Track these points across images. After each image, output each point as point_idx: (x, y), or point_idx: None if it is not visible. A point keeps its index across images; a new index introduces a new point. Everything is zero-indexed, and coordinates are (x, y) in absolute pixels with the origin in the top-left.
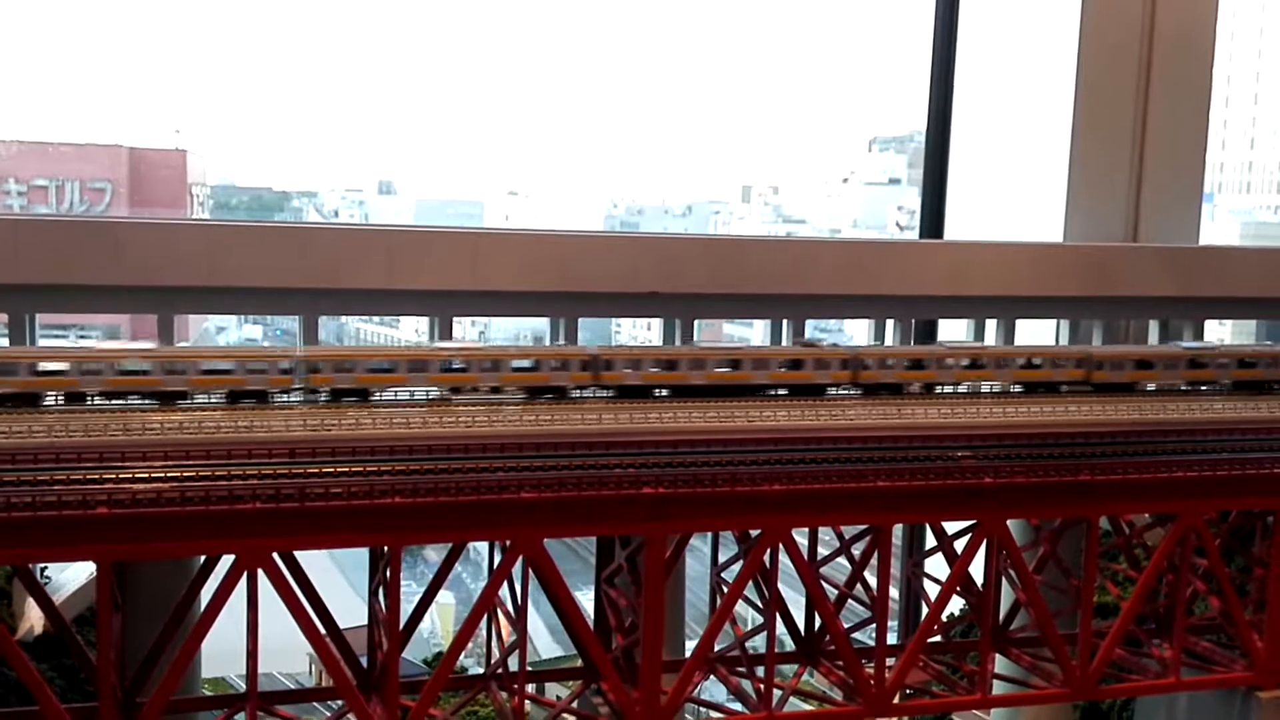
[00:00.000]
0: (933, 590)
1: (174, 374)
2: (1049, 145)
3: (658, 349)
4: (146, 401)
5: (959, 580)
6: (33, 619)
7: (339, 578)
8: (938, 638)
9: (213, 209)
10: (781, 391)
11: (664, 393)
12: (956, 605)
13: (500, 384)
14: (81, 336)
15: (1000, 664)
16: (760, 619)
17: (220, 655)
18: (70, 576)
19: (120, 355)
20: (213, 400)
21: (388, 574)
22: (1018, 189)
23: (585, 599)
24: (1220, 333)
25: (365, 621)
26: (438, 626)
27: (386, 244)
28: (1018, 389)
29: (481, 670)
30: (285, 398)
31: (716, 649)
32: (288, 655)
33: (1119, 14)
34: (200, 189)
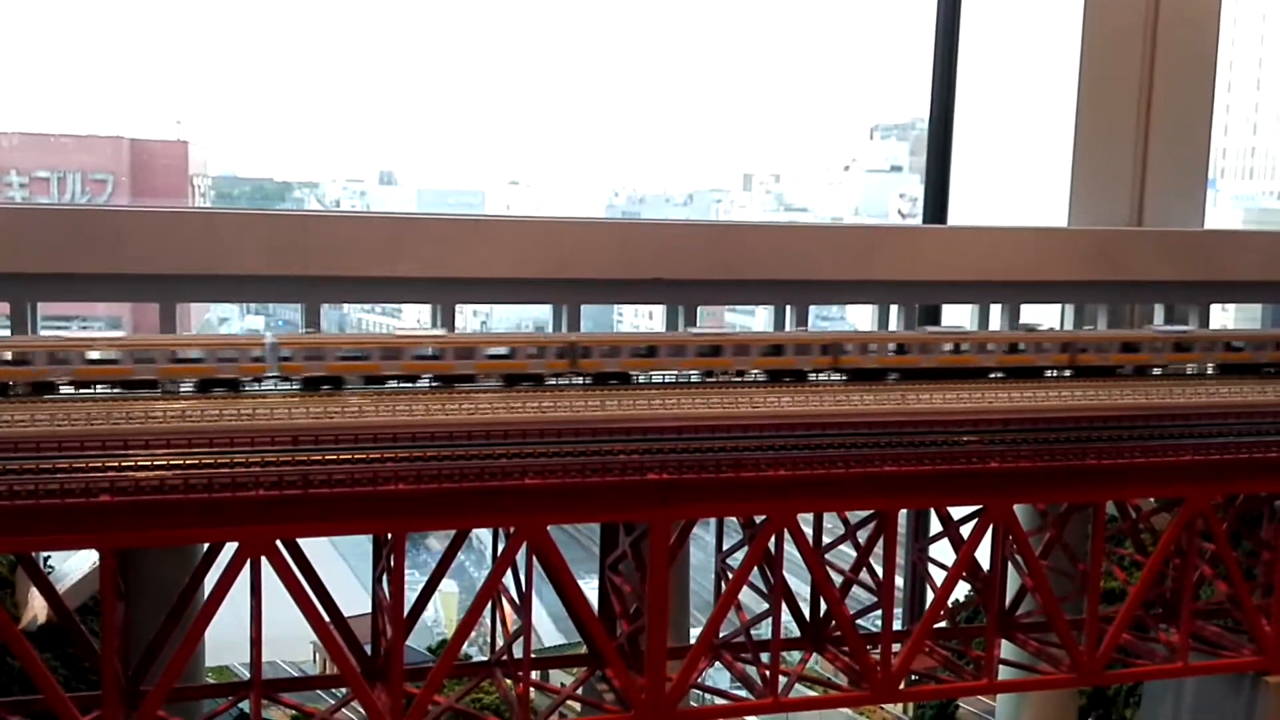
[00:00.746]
0: (938, 576)
1: (143, 362)
2: (1053, 131)
3: (635, 335)
4: (115, 390)
5: (965, 566)
6: (36, 608)
7: (341, 565)
8: (944, 623)
9: (214, 200)
10: (761, 376)
11: (643, 379)
12: (962, 591)
13: (474, 372)
14: (83, 327)
15: (1006, 649)
16: (765, 605)
17: (223, 644)
18: (73, 566)
19: (88, 344)
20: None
21: (391, 561)
22: (1021, 175)
23: (588, 588)
24: (1224, 318)
25: (368, 609)
26: (441, 615)
27: (389, 231)
28: (999, 374)
29: (485, 658)
30: (258, 386)
31: (721, 635)
32: (291, 643)
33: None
34: (202, 180)
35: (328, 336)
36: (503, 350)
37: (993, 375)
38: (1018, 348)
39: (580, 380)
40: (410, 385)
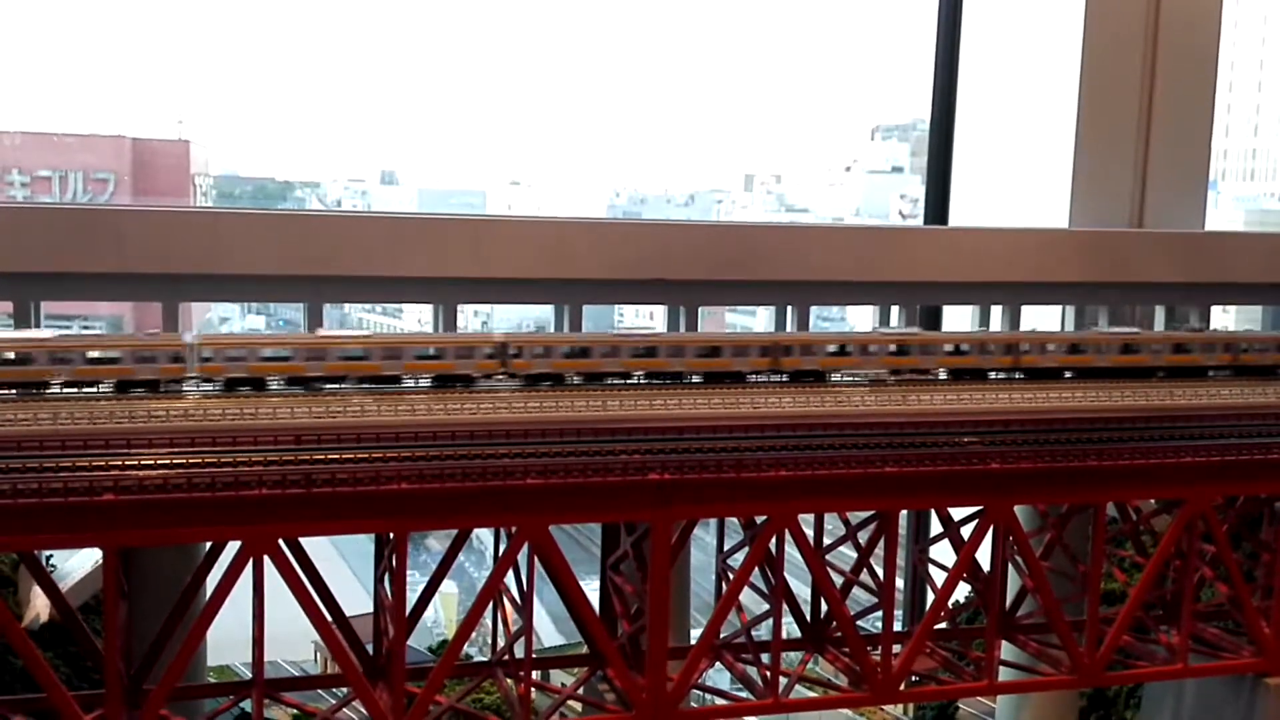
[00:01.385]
0: (939, 577)
1: (61, 363)
2: (1054, 132)
3: (570, 336)
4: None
5: (965, 567)
6: (39, 607)
7: (341, 564)
8: (944, 624)
9: (216, 199)
10: (698, 379)
11: (577, 380)
12: (963, 592)
13: (401, 373)
14: (85, 327)
15: (1007, 650)
16: (765, 606)
17: (225, 643)
18: (75, 564)
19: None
20: (100, 391)
21: (393, 561)
22: (1022, 176)
23: (588, 589)
24: (1224, 319)
25: (369, 609)
26: (441, 615)
27: (391, 231)
28: (943, 375)
29: (486, 658)
30: (177, 387)
31: (722, 636)
32: (293, 642)
33: (1123, 1)
34: (203, 179)
35: (252, 337)
36: (431, 351)
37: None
38: (959, 350)
39: (513, 382)
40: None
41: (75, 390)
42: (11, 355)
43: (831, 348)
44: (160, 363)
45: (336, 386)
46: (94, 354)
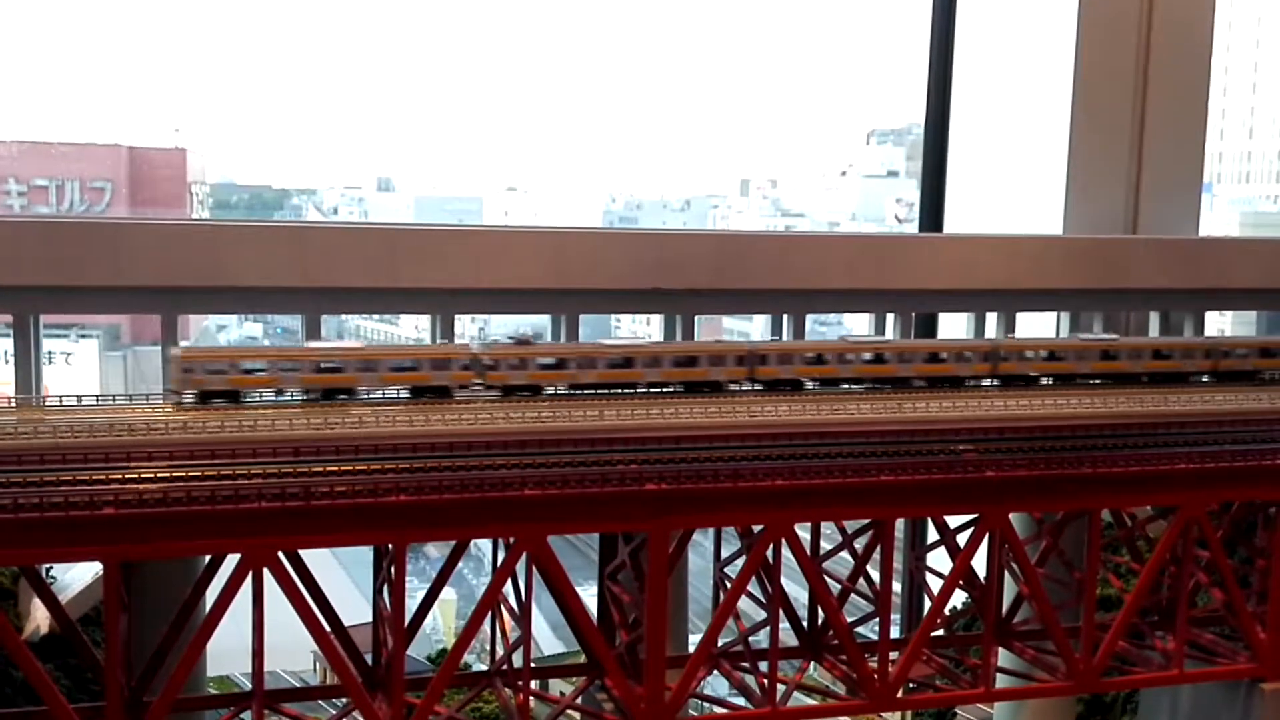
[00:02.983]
0: (935, 584)
1: (367, 370)
2: (1048, 137)
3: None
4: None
5: (961, 574)
6: (39, 619)
7: (340, 574)
8: (941, 631)
9: (213, 207)
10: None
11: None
12: (959, 599)
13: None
14: (83, 335)
15: (1003, 657)
16: (763, 614)
17: (223, 654)
18: (75, 576)
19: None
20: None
21: (392, 572)
22: (1017, 181)
23: (586, 594)
24: (1220, 324)
25: (368, 618)
26: (439, 623)
27: (388, 242)
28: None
29: (484, 667)
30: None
31: (720, 644)
32: (292, 652)
33: (1117, 3)
34: (200, 187)
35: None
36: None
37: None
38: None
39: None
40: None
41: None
42: (328, 364)
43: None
44: (452, 370)
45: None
46: (394, 362)
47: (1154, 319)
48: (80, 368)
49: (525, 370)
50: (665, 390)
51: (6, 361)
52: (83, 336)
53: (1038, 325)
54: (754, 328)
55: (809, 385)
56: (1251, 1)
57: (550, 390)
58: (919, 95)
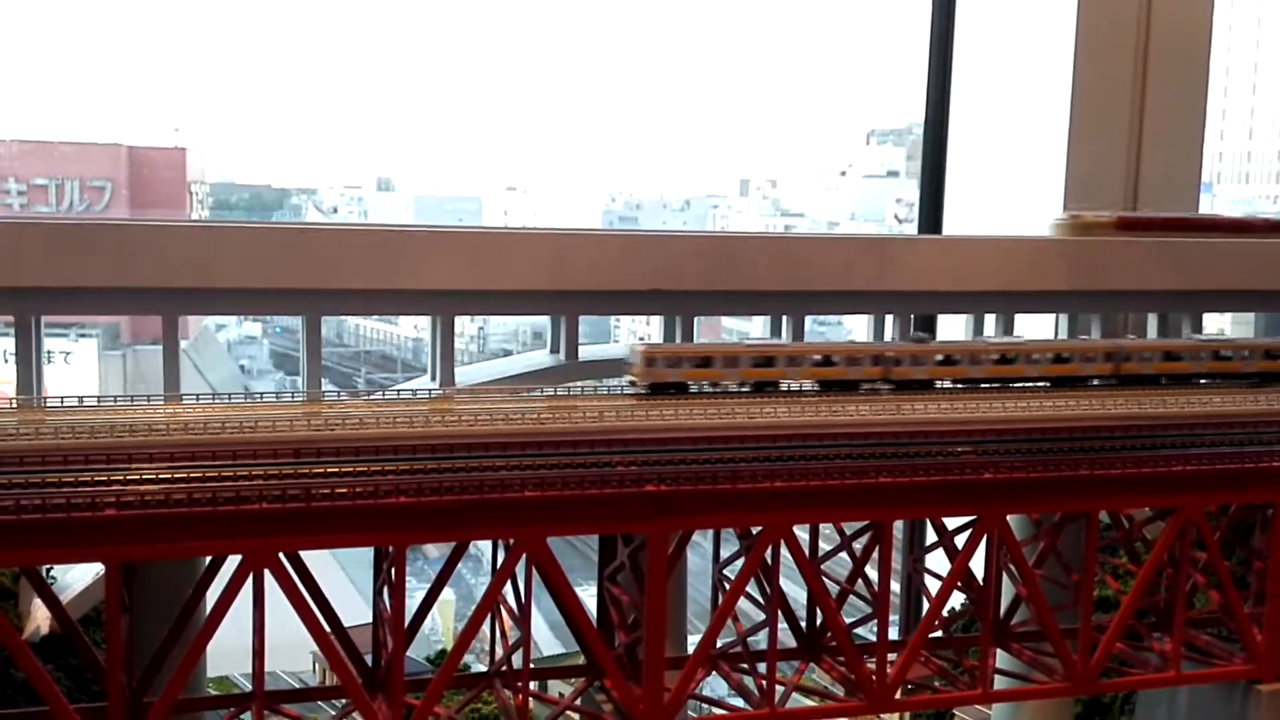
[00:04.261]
0: (933, 586)
1: (792, 364)
2: (1046, 137)
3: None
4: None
5: (960, 576)
6: (39, 619)
7: (339, 574)
8: (939, 633)
9: (212, 207)
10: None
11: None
12: (957, 600)
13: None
14: (82, 334)
15: (1001, 659)
16: (761, 615)
17: (222, 654)
18: (75, 576)
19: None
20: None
21: (392, 573)
22: (1016, 181)
23: (584, 594)
24: (1220, 324)
25: (366, 619)
26: (438, 624)
27: (389, 243)
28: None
29: (483, 668)
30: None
31: (719, 645)
32: (290, 653)
33: (1116, 5)
34: (200, 187)
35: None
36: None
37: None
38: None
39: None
40: None
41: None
42: (759, 359)
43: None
44: (864, 366)
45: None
46: (816, 358)
47: (1152, 320)
48: (79, 367)
49: (924, 366)
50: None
51: (6, 361)
52: (82, 336)
53: (1035, 328)
54: (754, 328)
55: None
56: (1252, 2)
57: (941, 385)
58: (919, 95)
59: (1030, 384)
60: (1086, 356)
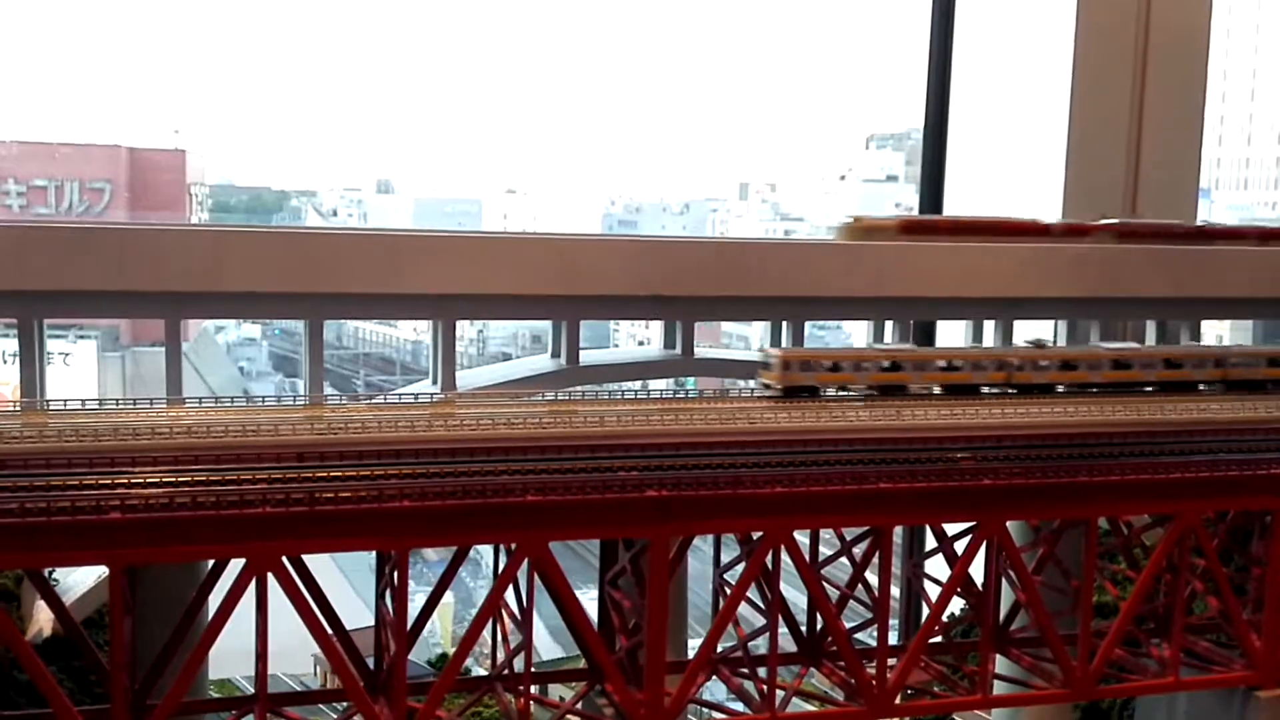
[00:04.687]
0: (933, 591)
1: (918, 370)
2: (1045, 144)
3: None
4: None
5: (959, 581)
6: (41, 621)
7: (338, 576)
8: (939, 638)
9: (212, 209)
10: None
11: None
12: (957, 606)
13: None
14: (81, 336)
15: (1001, 664)
16: (762, 619)
17: (222, 656)
18: (78, 579)
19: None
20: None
21: (394, 578)
22: (1016, 185)
23: (584, 596)
24: (1218, 330)
25: (365, 622)
26: (437, 626)
27: (390, 247)
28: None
29: (484, 671)
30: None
31: (719, 650)
32: (291, 656)
33: (1114, 11)
34: (199, 188)
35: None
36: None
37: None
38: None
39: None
40: None
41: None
42: (887, 364)
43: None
44: (988, 371)
45: None
46: (942, 363)
47: (1150, 327)
48: (78, 368)
49: (1045, 371)
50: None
51: (5, 361)
52: (81, 337)
53: (1031, 333)
54: (753, 332)
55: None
56: (1250, 9)
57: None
58: (918, 100)
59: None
60: (1197, 362)
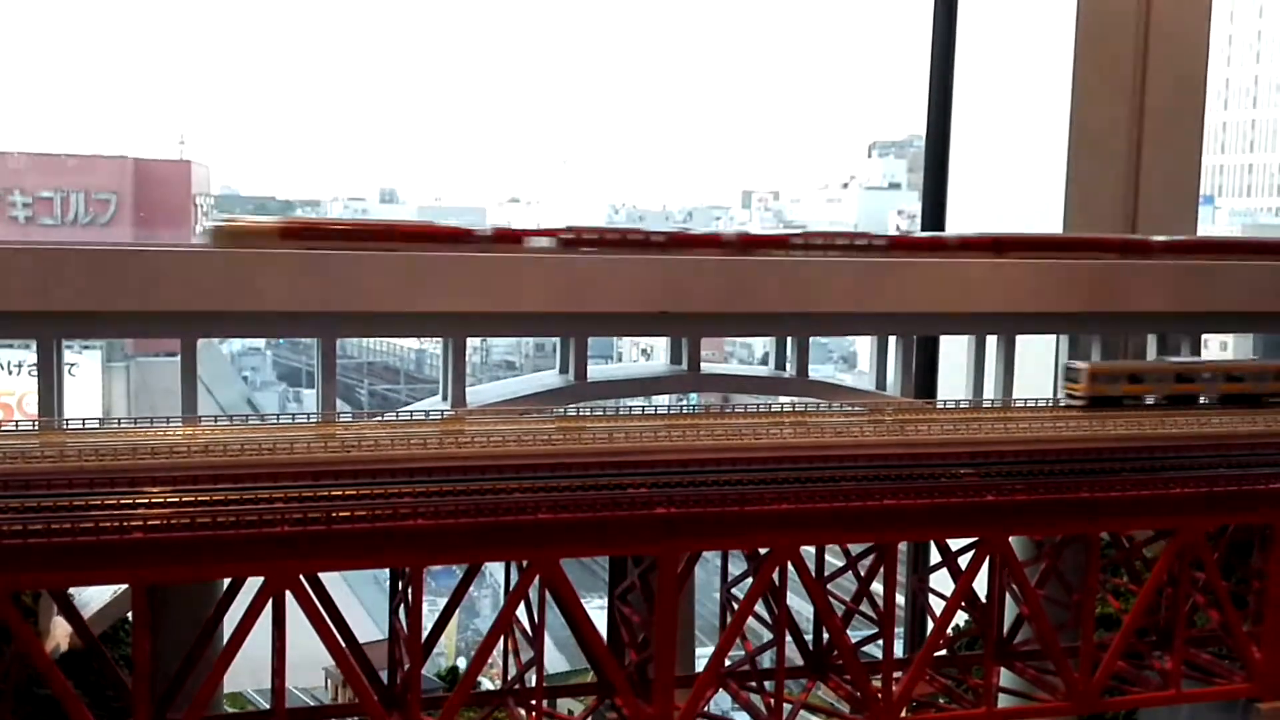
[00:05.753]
0: (938, 605)
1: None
2: (1046, 151)
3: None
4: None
5: (963, 596)
6: (58, 636)
7: (347, 591)
8: (943, 651)
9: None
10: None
11: None
12: (961, 619)
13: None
14: (85, 347)
15: (1005, 677)
16: (769, 634)
17: (234, 668)
18: (94, 594)
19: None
20: None
21: (409, 594)
22: (1017, 194)
23: (592, 609)
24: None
25: (374, 635)
26: (443, 639)
27: (404, 268)
28: None
29: (491, 685)
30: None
31: (726, 664)
32: (303, 668)
33: (1115, 19)
34: (204, 199)
35: None
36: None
37: None
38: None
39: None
40: None
41: None
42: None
43: None
44: (1268, 382)
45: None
46: (1228, 375)
47: (1152, 342)
48: (83, 379)
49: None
50: None
51: (10, 372)
52: (85, 348)
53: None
54: (755, 343)
55: None
56: (1251, 16)
57: None
58: (920, 108)
59: None
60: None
